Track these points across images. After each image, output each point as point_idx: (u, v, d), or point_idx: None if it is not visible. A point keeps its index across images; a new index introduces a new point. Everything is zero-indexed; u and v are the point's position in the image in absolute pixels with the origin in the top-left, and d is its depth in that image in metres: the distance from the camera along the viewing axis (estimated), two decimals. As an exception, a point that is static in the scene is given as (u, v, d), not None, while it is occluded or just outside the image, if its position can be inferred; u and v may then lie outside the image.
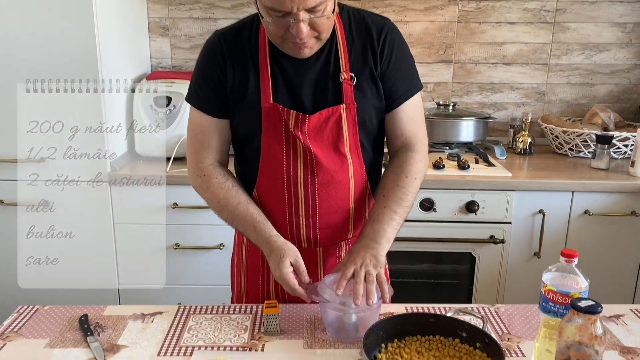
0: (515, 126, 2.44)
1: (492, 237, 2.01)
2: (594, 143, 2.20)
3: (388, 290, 1.13)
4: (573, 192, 1.99)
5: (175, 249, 2.06)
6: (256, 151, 1.25)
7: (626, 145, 2.20)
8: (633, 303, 2.10)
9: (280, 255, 1.16)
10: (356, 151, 1.26)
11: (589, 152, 2.25)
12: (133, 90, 2.19)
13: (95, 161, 2.00)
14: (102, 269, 2.10)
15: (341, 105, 1.22)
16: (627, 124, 2.39)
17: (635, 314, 1.25)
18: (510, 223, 2.01)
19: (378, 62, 1.24)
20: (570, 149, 2.29)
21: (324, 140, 1.23)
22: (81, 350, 1.08)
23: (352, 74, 1.22)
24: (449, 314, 1.14)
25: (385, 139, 1.35)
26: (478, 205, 1.97)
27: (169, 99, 2.14)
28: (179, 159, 2.11)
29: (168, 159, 2.11)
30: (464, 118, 2.28)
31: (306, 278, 1.16)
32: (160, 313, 1.23)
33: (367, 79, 1.24)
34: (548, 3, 2.41)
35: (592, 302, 0.85)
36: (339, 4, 1.27)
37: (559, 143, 2.31)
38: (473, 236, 2.01)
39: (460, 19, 2.45)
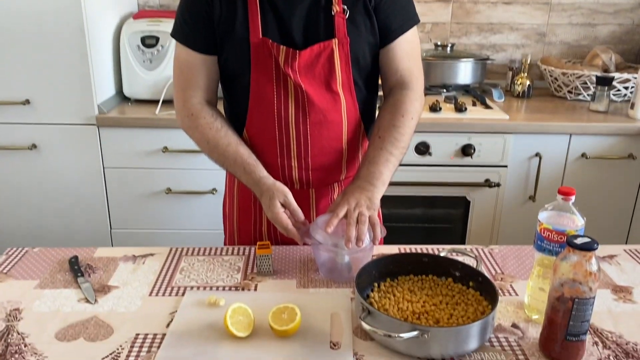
0: (514, 68, 2.38)
1: (487, 180, 1.99)
2: (594, 85, 2.15)
3: (380, 232, 1.11)
4: (571, 134, 1.96)
5: (167, 193, 2.03)
6: (245, 89, 1.20)
7: (626, 88, 2.15)
8: (627, 240, 2.11)
9: (269, 197, 1.13)
10: (349, 89, 1.22)
11: (588, 94, 2.20)
12: (119, 31, 2.11)
13: (83, 104, 1.94)
14: (93, 214, 2.08)
15: (333, 40, 1.16)
16: (627, 66, 2.33)
17: (628, 254, 1.24)
18: (506, 166, 1.99)
19: None
20: (569, 92, 2.24)
21: (316, 77, 1.18)
22: (72, 291, 1.07)
23: (345, 7, 1.16)
24: (442, 254, 1.13)
25: (379, 78, 1.30)
26: (474, 149, 1.94)
27: (157, 39, 2.06)
28: (169, 102, 2.06)
29: (157, 101, 2.06)
30: (462, 59, 2.22)
31: (300, 216, 1.13)
32: (152, 255, 1.21)
33: (361, 12, 1.18)
34: (552, -62, 2.31)
35: (588, 239, 0.84)
36: None
37: (558, 85, 2.26)
38: (468, 180, 1.99)
39: (460, -45, 2.35)
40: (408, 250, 1.22)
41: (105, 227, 2.10)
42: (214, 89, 1.28)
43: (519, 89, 2.28)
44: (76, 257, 1.18)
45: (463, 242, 2.11)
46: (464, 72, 2.25)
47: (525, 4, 2.41)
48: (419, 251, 1.22)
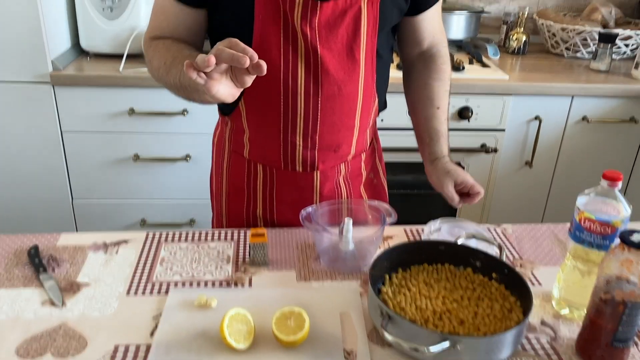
0: (509, 22, 2.23)
1: (483, 145, 1.87)
2: (594, 42, 2.03)
3: (392, 216, 1.01)
4: (573, 96, 1.84)
5: (135, 160, 1.83)
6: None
7: (627, 45, 2.04)
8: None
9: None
10: (371, 58, 1.04)
11: (587, 52, 2.08)
12: (73, -28, 1.85)
13: (34, 59, 1.69)
14: (52, 184, 1.86)
15: None
16: (627, 21, 2.21)
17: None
18: (503, 130, 1.86)
19: None
20: (567, 49, 2.11)
21: (338, 40, 0.99)
22: (33, 291, 0.90)
23: None
24: (459, 241, 1.00)
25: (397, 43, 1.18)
26: (472, 112, 1.80)
27: (118, -17, 1.81)
28: (134, 56, 1.83)
29: (120, 55, 1.82)
30: (455, 12, 2.05)
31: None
32: (126, 242, 1.05)
33: None
34: None
35: (646, 236, 0.72)
36: None
37: (555, 41, 2.12)
38: (463, 145, 1.86)
39: None
40: (415, 231, 1.11)
41: (66, 198, 1.89)
42: (199, 46, 1.08)
43: (514, 44, 2.13)
44: (36, 247, 1.00)
45: (455, 209, 2.00)
46: (457, 26, 2.08)
47: (523, -49, 2.24)
48: (426, 229, 1.08)
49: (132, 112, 1.76)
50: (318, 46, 0.99)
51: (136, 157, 1.82)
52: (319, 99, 1.03)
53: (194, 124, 1.79)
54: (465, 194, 1.11)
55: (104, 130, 1.79)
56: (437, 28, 1.18)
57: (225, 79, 0.82)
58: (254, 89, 1.04)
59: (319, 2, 0.96)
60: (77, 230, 1.94)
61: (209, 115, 1.66)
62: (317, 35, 0.98)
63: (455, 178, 1.12)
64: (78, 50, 1.91)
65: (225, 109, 1.15)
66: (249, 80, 0.82)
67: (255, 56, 0.76)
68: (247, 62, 0.75)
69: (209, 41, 1.07)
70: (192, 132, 1.80)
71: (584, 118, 1.87)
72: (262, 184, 1.15)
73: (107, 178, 1.86)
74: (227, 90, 0.83)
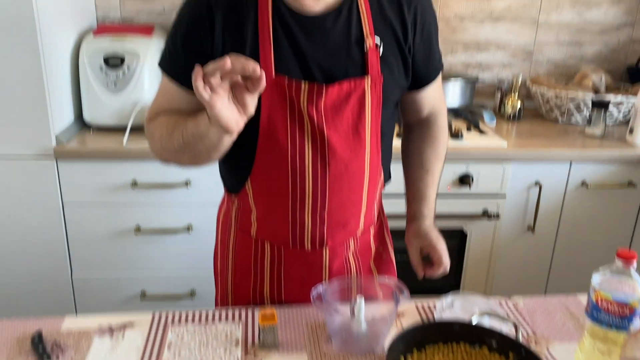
0: (503, 89, 2.28)
1: (485, 211, 1.87)
2: (587, 108, 2.08)
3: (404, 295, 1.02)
4: (571, 162, 1.86)
5: (136, 232, 1.81)
6: (252, 134, 1.02)
7: (619, 111, 2.09)
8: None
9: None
10: (376, 135, 1.06)
11: (581, 117, 2.13)
12: (78, 49, 1.88)
13: (38, 134, 1.70)
14: (51, 257, 1.83)
15: (365, 78, 1.01)
16: (616, 87, 2.28)
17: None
18: (504, 196, 1.88)
19: (409, 32, 1.03)
20: (562, 114, 2.16)
21: (343, 121, 1.01)
22: (37, 383, 0.87)
23: (378, 41, 1.01)
24: (474, 321, 0.99)
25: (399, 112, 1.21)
26: (472, 178, 1.82)
27: (122, 59, 1.84)
28: (137, 129, 1.84)
29: (123, 128, 1.84)
30: (451, 79, 2.11)
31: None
32: (132, 325, 1.02)
33: (394, 52, 1.03)
34: (540, -47, 2.23)
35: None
36: None
37: (550, 107, 2.17)
38: (465, 211, 1.87)
39: (446, -30, 2.24)
40: (426, 307, 1.10)
41: (66, 272, 1.85)
42: None
43: (509, 110, 2.18)
44: (40, 334, 0.97)
45: (459, 276, 1.98)
46: (453, 93, 2.13)
47: (513, 22, 2.32)
48: (438, 305, 1.07)
49: (134, 184, 1.76)
50: (325, 128, 1.01)
51: (138, 229, 1.81)
52: (327, 177, 1.04)
53: (196, 195, 1.79)
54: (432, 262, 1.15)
55: (106, 203, 1.78)
56: (437, 98, 1.22)
57: (228, 100, 0.84)
58: (263, 171, 1.06)
59: (324, 86, 0.99)
60: (75, 304, 1.89)
61: (212, 186, 1.66)
62: (323, 118, 1.01)
63: (422, 242, 1.16)
64: (81, 123, 1.92)
65: (232, 188, 1.15)
66: (251, 102, 0.86)
67: (258, 67, 0.80)
68: (258, 70, 0.80)
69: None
70: (195, 202, 1.79)
71: (583, 183, 1.89)
72: (270, 263, 1.14)
73: (108, 251, 1.83)
74: (230, 114, 0.85)
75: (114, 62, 1.84)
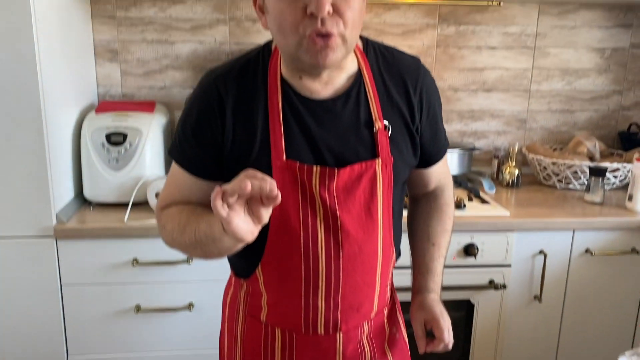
0: (500, 156, 2.32)
1: (491, 282, 1.85)
2: (584, 175, 2.10)
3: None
4: (574, 230, 1.86)
5: (137, 312, 1.76)
6: None
7: (615, 177, 2.12)
8: (632, 344, 2.01)
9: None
10: (388, 215, 1.06)
11: (578, 183, 2.15)
12: (80, 126, 1.89)
13: (39, 214, 1.67)
14: (47, 339, 1.76)
15: (376, 160, 1.02)
16: (610, 153, 2.32)
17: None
18: (509, 266, 1.86)
19: (416, 113, 1.06)
20: (559, 181, 2.18)
21: (355, 202, 1.01)
22: None
23: (387, 123, 1.03)
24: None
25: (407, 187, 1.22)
26: (477, 248, 1.80)
27: (124, 136, 1.85)
28: (139, 205, 1.83)
29: (124, 204, 1.82)
30: (449, 150, 2.13)
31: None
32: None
33: (403, 133, 1.05)
34: (528, 27, 2.32)
35: None
36: (362, 38, 1.07)
37: (547, 174, 2.20)
38: (472, 282, 1.84)
39: (439, 44, 2.31)
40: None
41: (61, 354, 1.78)
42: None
43: (507, 177, 2.20)
44: None
45: (467, 347, 1.93)
46: (451, 162, 2.15)
47: (506, 91, 2.38)
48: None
49: (135, 262, 1.72)
50: (337, 209, 1.01)
51: (138, 309, 1.75)
52: (340, 260, 1.03)
53: (198, 272, 1.75)
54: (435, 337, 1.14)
55: (106, 281, 1.73)
56: (444, 172, 1.23)
57: (244, 213, 0.84)
58: (274, 255, 1.04)
59: (335, 169, 1.00)
60: (69, 389, 1.80)
61: (214, 263, 1.62)
62: (335, 200, 1.00)
63: (426, 316, 1.15)
64: (81, 199, 1.90)
65: (242, 272, 1.13)
66: (266, 214, 0.85)
67: (274, 185, 0.80)
68: (275, 190, 0.80)
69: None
70: (197, 280, 1.75)
71: (587, 250, 1.88)
72: (281, 349, 1.11)
73: (106, 331, 1.77)
74: (246, 226, 0.84)
75: (116, 139, 1.84)
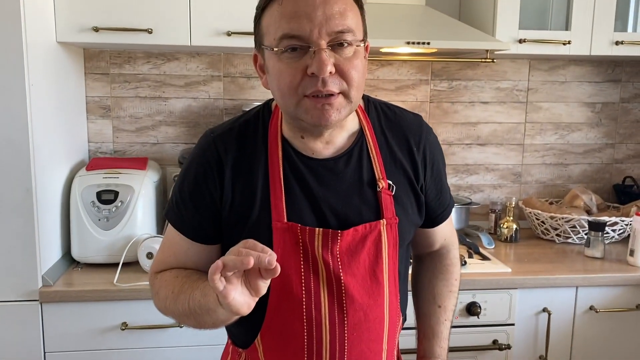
0: (497, 211, 2.29)
1: (495, 342, 1.78)
2: (583, 229, 2.08)
3: None
4: (577, 287, 1.82)
5: (125, 380, 1.66)
6: None
7: (614, 231, 2.10)
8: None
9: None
10: (394, 278, 1.02)
11: (577, 237, 2.12)
12: (70, 184, 1.84)
13: (23, 277, 1.59)
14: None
15: (381, 221, 0.98)
16: (606, 206, 2.31)
17: None
18: (513, 325, 1.80)
19: (420, 172, 1.04)
20: (558, 235, 2.15)
21: (360, 266, 0.97)
22: None
23: (390, 182, 1.00)
24: None
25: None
26: (480, 307, 1.75)
27: (116, 194, 1.80)
28: (129, 264, 1.76)
29: (113, 264, 1.75)
30: (446, 204, 2.11)
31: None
32: None
33: (407, 191, 1.03)
34: (520, 82, 2.35)
35: None
36: (363, 96, 1.05)
37: (545, 229, 2.17)
38: (475, 342, 1.78)
39: (433, 99, 2.32)
40: None
41: None
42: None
43: (505, 232, 2.17)
44: None
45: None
46: (448, 217, 2.12)
47: (499, 145, 2.39)
48: None
49: (125, 326, 1.64)
50: (341, 273, 0.97)
51: (126, 377, 1.66)
52: (345, 327, 0.98)
53: (191, 337, 1.67)
54: None
55: (93, 348, 1.64)
56: (449, 231, 1.20)
57: (241, 285, 0.80)
58: (275, 324, 0.98)
59: (338, 231, 0.96)
60: None
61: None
62: (339, 263, 0.97)
63: None
64: (69, 259, 1.83)
65: (240, 341, 1.07)
66: (264, 286, 0.81)
67: (274, 258, 0.77)
68: (274, 263, 0.76)
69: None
70: (190, 345, 1.67)
71: (592, 308, 1.84)
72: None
73: (91, 402, 1.67)
74: (242, 299, 0.80)
75: (106, 196, 1.79)
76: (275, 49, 0.89)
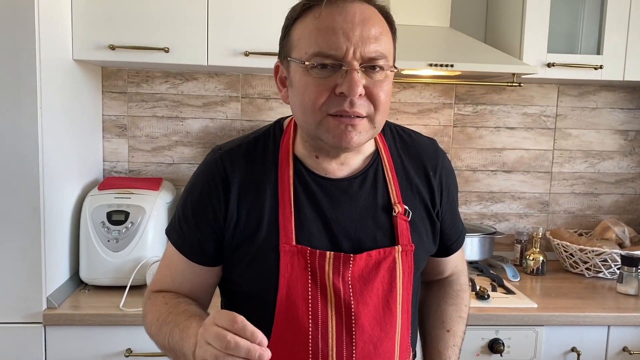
0: (523, 241, 2.19)
1: (520, 383, 1.68)
2: (615, 263, 1.96)
3: None
4: (609, 326, 1.70)
5: (127, 409, 1.59)
6: (267, 311, 0.91)
7: (649, 265, 1.97)
8: None
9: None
10: (407, 310, 0.96)
11: (609, 272, 2.00)
12: (81, 204, 1.81)
13: (28, 299, 1.55)
14: None
15: (396, 247, 0.92)
16: (640, 239, 2.19)
17: None
18: (539, 364, 1.69)
19: (436, 198, 0.99)
20: (588, 269, 2.03)
21: (373, 294, 0.91)
22: None
23: (407, 207, 0.94)
24: None
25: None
26: (503, 345, 1.64)
27: (127, 215, 1.76)
28: (136, 287, 1.71)
29: (121, 287, 1.70)
30: (469, 234, 2.01)
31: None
32: None
33: (423, 217, 0.98)
34: (548, 108, 2.26)
35: None
36: None
37: (574, 262, 2.06)
38: (498, 383, 1.67)
39: (456, 123, 2.25)
40: None
41: None
42: (204, 301, 1.02)
43: (532, 264, 2.06)
44: None
45: None
46: (471, 248, 2.03)
47: (526, 173, 2.29)
48: None
49: (129, 352, 1.58)
50: (352, 301, 0.90)
51: (128, 407, 1.59)
52: None
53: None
54: None
55: (95, 374, 1.59)
56: (459, 258, 1.16)
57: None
58: (278, 353, 0.91)
59: (351, 255, 0.90)
60: None
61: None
62: (350, 290, 0.90)
63: None
64: (77, 280, 1.79)
65: None
66: None
67: (265, 342, 0.72)
68: (266, 357, 0.72)
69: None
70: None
71: (625, 349, 1.71)
72: None
73: None
74: None
75: (117, 217, 1.75)
76: (307, 63, 0.84)
